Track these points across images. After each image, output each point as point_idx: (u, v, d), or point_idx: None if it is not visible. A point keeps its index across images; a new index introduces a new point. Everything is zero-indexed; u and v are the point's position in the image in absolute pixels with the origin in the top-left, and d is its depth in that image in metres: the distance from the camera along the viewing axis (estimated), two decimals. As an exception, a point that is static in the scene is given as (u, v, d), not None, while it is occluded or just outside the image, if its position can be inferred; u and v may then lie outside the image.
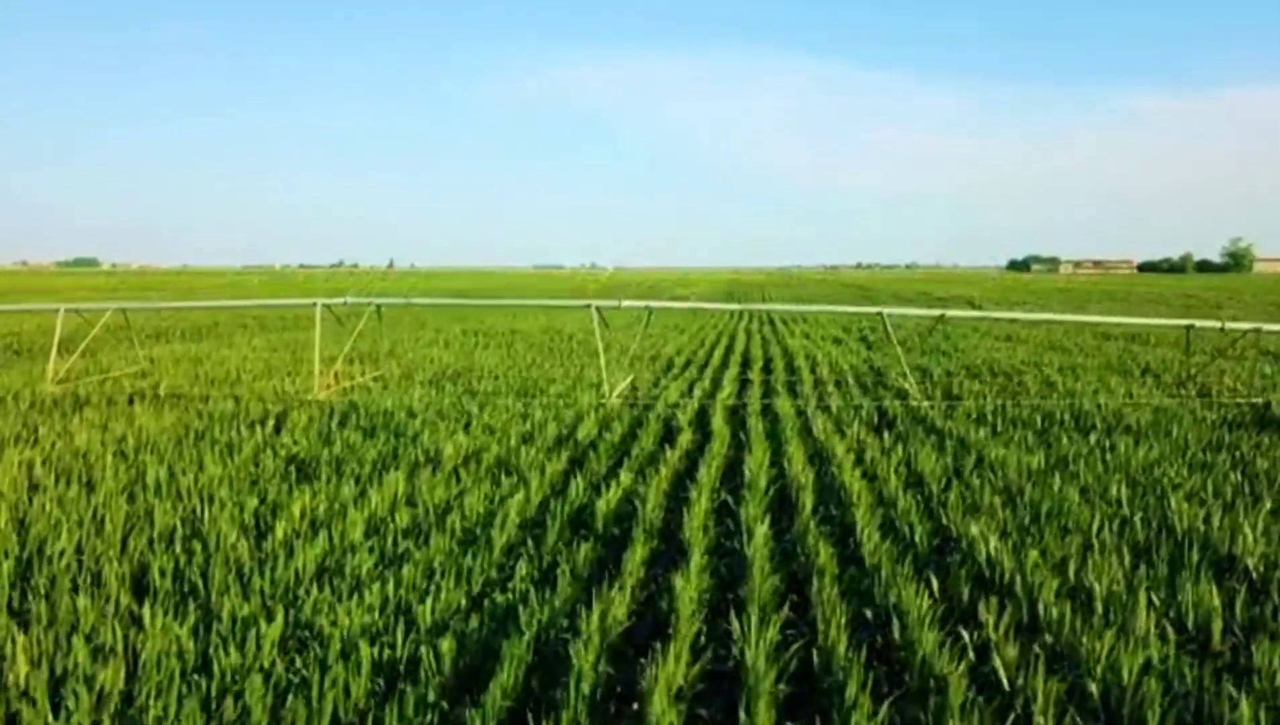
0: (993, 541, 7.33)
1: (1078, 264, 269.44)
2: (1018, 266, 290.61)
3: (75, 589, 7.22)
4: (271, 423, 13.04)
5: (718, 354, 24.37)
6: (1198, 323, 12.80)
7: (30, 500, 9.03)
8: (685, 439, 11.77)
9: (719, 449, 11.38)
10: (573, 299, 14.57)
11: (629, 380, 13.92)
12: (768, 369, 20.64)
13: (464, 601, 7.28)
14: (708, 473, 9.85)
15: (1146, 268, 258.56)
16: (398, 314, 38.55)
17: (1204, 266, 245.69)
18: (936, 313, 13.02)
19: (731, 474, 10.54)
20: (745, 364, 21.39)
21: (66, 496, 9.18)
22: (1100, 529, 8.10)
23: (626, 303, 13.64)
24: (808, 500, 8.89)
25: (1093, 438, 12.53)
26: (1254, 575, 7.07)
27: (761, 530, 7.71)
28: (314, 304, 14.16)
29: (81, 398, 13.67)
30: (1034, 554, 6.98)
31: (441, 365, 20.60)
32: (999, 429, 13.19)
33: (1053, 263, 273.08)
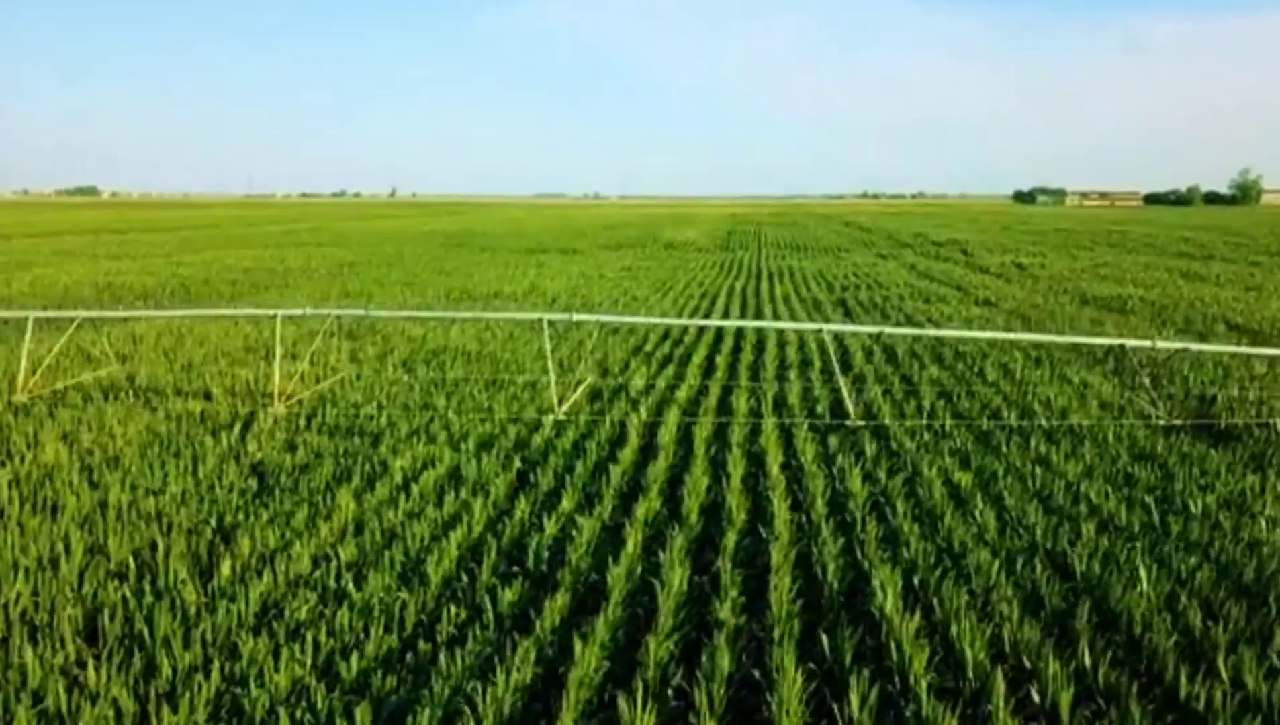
0: (890, 597, 7.78)
1: (1084, 195, 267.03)
2: (1023, 197, 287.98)
3: (33, 636, 7.75)
4: (238, 427, 13.47)
5: (689, 333, 24.71)
6: (1129, 342, 13.06)
7: (-6, 532, 9.49)
8: (630, 454, 12.19)
9: (663, 466, 11.80)
10: (530, 313, 14.89)
11: (586, 384, 14.29)
12: (738, 348, 21.02)
13: (395, 644, 7.81)
14: (645, 504, 10.27)
15: (1153, 200, 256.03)
16: (384, 275, 38.80)
17: (1211, 198, 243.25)
18: (876, 330, 13.27)
19: (672, 494, 10.96)
20: (718, 339, 21.70)
21: (29, 525, 9.65)
22: (999, 572, 8.54)
23: (578, 317, 13.91)
24: (731, 539, 9.34)
25: (1032, 442, 12.94)
26: (1134, 634, 7.51)
27: (677, 579, 8.17)
28: (273, 315, 14.47)
29: (52, 406, 14.07)
30: (915, 620, 7.42)
31: (418, 343, 20.95)
32: (943, 432, 13.60)
33: (1059, 194, 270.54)
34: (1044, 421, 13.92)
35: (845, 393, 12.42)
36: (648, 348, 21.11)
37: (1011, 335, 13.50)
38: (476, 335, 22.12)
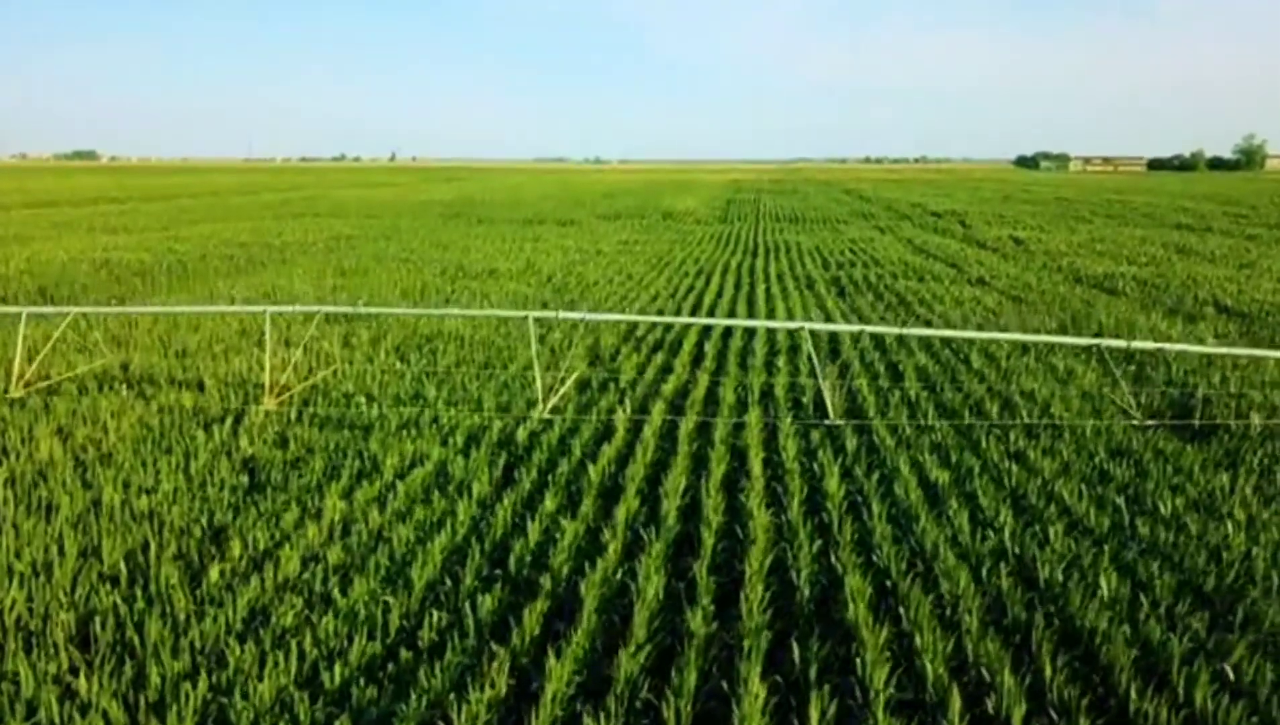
0: (859, 607, 8.02)
1: (1087, 161, 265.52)
2: (1026, 163, 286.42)
3: (28, 644, 8.00)
4: (230, 421, 13.68)
5: (681, 319, 24.84)
6: (1105, 342, 13.21)
7: (-11, 536, 9.72)
8: (613, 451, 12.38)
9: (645, 462, 12.01)
10: (512, 311, 15.01)
11: (573, 379, 14.47)
12: (728, 332, 21.21)
13: (378, 651, 8.07)
14: (625, 505, 10.48)
15: (1157, 165, 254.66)
16: (380, 249, 38.80)
17: (1216, 164, 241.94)
18: (856, 329, 13.42)
19: (653, 492, 11.18)
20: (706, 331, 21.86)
21: (24, 528, 9.88)
22: (967, 579, 8.77)
23: (564, 314, 14.04)
24: (709, 542, 9.57)
25: (1012, 436, 13.14)
26: (1093, 645, 7.75)
27: (652, 589, 8.40)
28: (264, 311, 14.62)
29: (46, 401, 14.25)
30: (883, 633, 7.65)
31: (410, 328, 21.11)
32: (924, 422, 13.79)
33: (1062, 159, 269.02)
34: (1025, 415, 14.12)
35: (826, 391, 12.59)
36: (639, 332, 21.29)
37: (989, 335, 13.65)
38: (469, 320, 22.27)
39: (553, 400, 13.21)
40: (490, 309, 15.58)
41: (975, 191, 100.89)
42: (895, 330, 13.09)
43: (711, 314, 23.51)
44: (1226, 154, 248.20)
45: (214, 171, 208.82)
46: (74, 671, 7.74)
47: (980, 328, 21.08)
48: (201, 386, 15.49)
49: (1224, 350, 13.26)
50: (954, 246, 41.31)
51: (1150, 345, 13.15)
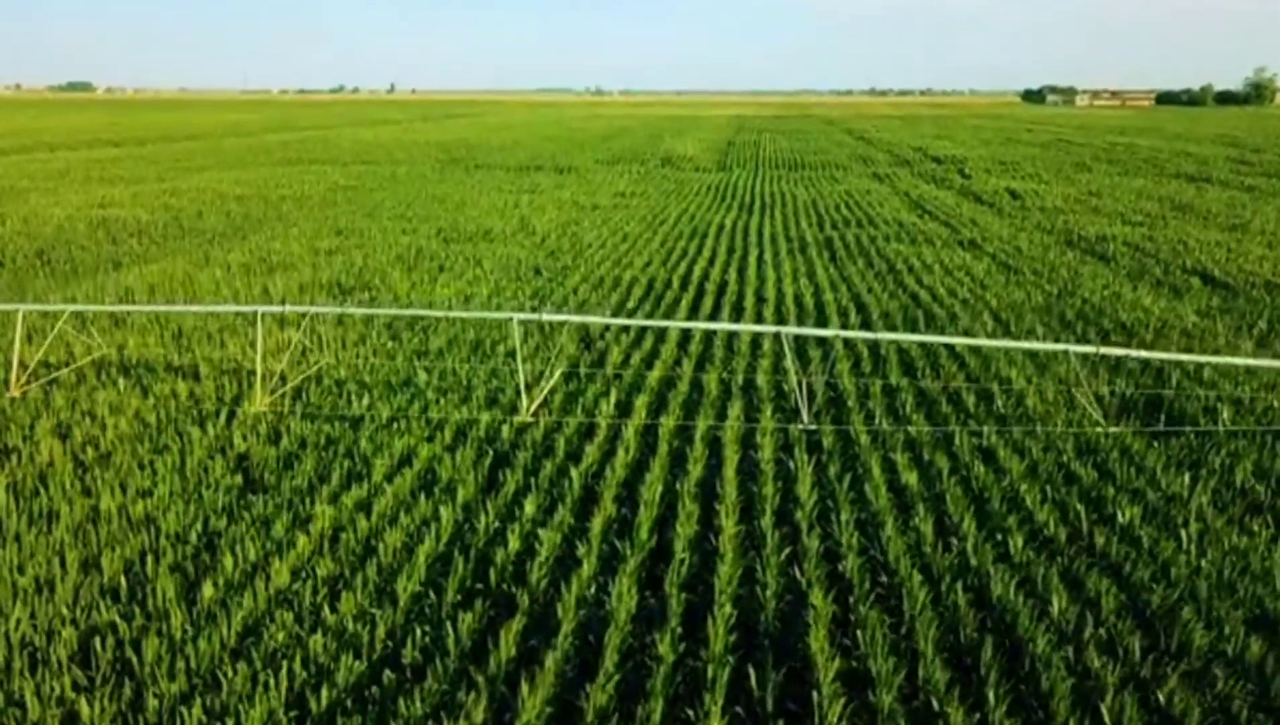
0: (819, 632, 8.48)
1: (1095, 95, 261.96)
2: (1033, 96, 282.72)
3: (32, 664, 8.49)
4: (224, 415, 14.06)
5: (672, 289, 25.11)
6: (1074, 348, 13.50)
7: (-6, 548, 10.16)
8: (595, 451, 12.77)
9: (624, 459, 12.42)
10: (496, 313, 15.28)
11: (557, 375, 14.80)
12: (718, 307, 21.51)
13: (364, 671, 8.55)
14: (601, 517, 10.90)
15: (1165, 99, 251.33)
16: (377, 203, 38.79)
17: (1224, 98, 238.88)
18: (830, 333, 13.72)
19: (630, 497, 11.60)
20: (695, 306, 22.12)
21: (27, 540, 10.32)
22: (925, 597, 9.21)
23: (547, 317, 14.29)
24: (681, 554, 10.01)
25: (984, 430, 13.51)
26: (1036, 671, 8.21)
27: (624, 612, 8.86)
28: (255, 311, 14.91)
29: (46, 396, 14.59)
30: (836, 664, 8.11)
31: (404, 302, 21.40)
32: (901, 412, 14.18)
33: (1069, 93, 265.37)
34: (1001, 405, 14.49)
35: (801, 397, 12.94)
36: (629, 306, 21.59)
37: (959, 340, 13.95)
38: (461, 291, 22.56)
39: (538, 399, 13.55)
40: (476, 310, 15.90)
41: (978, 132, 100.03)
42: (869, 335, 13.40)
43: (703, 283, 23.78)
44: (1236, 87, 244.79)
45: (209, 106, 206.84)
46: (77, 688, 8.26)
47: (965, 303, 21.39)
48: (197, 375, 15.84)
49: (1190, 357, 13.56)
50: (950, 201, 41.26)
51: (1119, 351, 13.45)
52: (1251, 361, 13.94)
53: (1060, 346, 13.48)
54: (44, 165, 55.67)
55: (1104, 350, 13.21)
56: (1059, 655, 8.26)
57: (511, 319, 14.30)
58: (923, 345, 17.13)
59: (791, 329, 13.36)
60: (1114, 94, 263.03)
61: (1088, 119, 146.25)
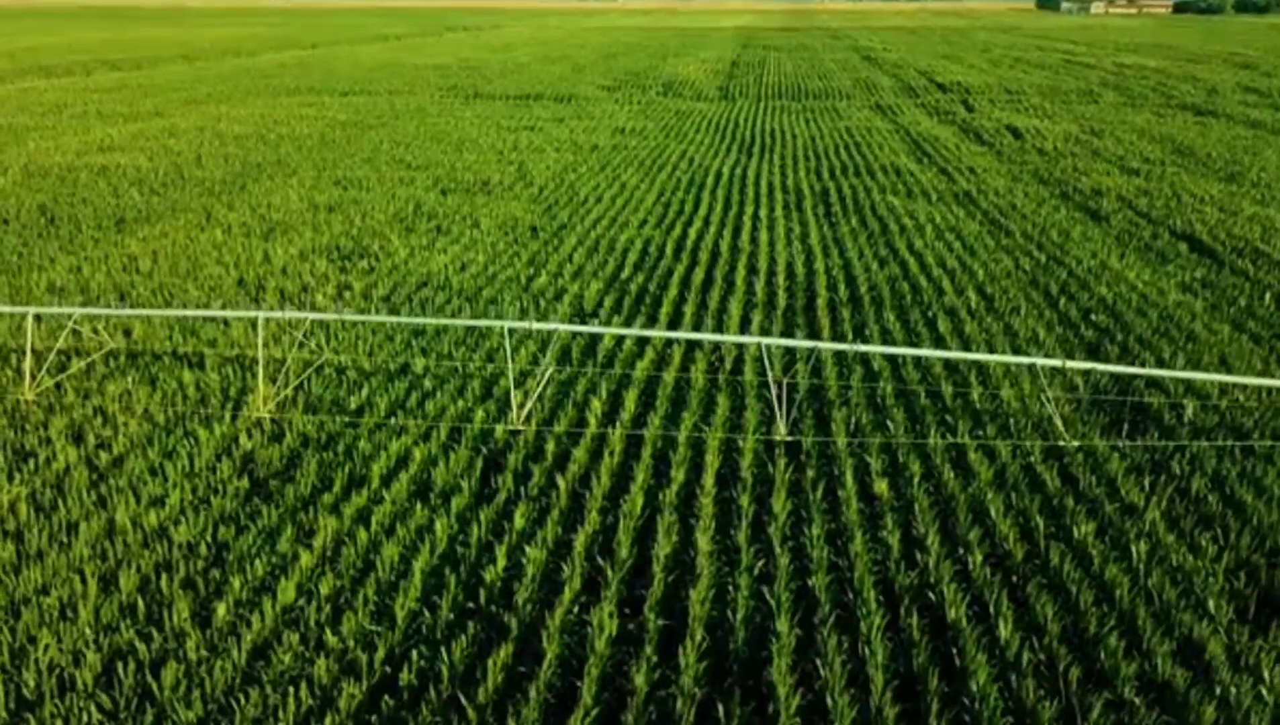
0: (782, 662, 9.22)
1: (1111, 1, 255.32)
2: (1049, 4, 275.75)
3: (60, 688, 9.29)
4: (229, 411, 14.69)
5: (665, 259, 25.46)
6: (1040, 361, 13.96)
7: (17, 569, 10.89)
8: (582, 454, 13.41)
9: (609, 466, 13.07)
10: (488, 321, 15.70)
11: (548, 374, 15.33)
12: (709, 282, 21.94)
13: (363, 696, 9.35)
14: (584, 533, 11.58)
15: (1182, 8, 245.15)
16: (375, 146, 38.78)
17: (1243, 6, 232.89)
18: (810, 345, 14.20)
19: (613, 509, 12.28)
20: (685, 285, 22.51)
21: (50, 559, 11.05)
22: (880, 622, 9.93)
23: (536, 325, 14.72)
24: (658, 575, 10.71)
25: (959, 427, 14.10)
26: (974, 705, 8.95)
27: (602, 640, 9.60)
28: (255, 317, 15.41)
29: (57, 399, 15.15)
30: (796, 699, 8.85)
31: (402, 272, 21.81)
32: (881, 405, 14.76)
33: (1085, 1, 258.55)
34: (977, 397, 15.05)
35: (779, 410, 13.51)
36: (624, 274, 22.02)
37: (930, 352, 14.41)
38: (457, 257, 22.94)
39: (527, 406, 14.13)
40: (462, 320, 16.23)
41: (986, 52, 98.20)
42: (846, 346, 13.89)
43: (696, 252, 24.14)
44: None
45: (208, 17, 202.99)
46: (101, 710, 9.07)
47: (952, 275, 21.80)
48: (202, 364, 16.43)
49: (1154, 372, 14.04)
50: (951, 142, 41.14)
51: (1084, 365, 13.92)
52: (1212, 376, 14.44)
53: (1028, 360, 13.95)
54: (39, 95, 55.36)
55: (1070, 364, 13.70)
56: (998, 691, 8.99)
57: (503, 326, 14.79)
58: (907, 324, 17.61)
59: (773, 340, 13.85)
60: (1130, 1, 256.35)
61: (1101, 32, 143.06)
